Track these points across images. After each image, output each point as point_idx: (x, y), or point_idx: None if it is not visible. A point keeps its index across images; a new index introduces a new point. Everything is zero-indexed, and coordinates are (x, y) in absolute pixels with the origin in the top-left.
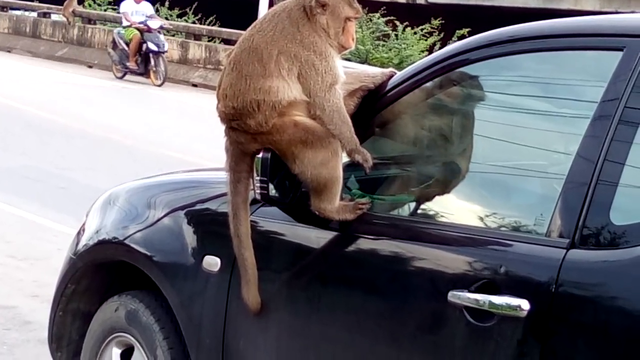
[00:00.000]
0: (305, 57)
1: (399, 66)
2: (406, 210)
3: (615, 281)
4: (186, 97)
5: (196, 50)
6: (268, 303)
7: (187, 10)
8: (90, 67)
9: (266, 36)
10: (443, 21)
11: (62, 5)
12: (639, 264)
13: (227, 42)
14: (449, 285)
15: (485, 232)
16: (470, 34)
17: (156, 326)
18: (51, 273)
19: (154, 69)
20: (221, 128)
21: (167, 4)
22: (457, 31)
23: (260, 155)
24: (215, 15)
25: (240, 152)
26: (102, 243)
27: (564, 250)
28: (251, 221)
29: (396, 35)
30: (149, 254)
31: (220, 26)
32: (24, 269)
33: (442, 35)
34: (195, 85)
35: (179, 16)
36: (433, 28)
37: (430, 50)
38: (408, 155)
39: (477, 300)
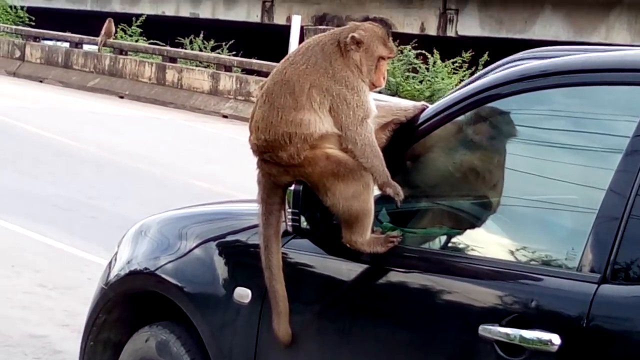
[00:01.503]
0: (337, 91)
1: (431, 99)
2: (437, 243)
3: None
4: (216, 128)
5: (227, 82)
6: (298, 335)
7: (223, 44)
8: (121, 97)
9: (298, 69)
10: (473, 53)
11: (93, 35)
12: None
13: (258, 73)
14: (480, 318)
15: (516, 266)
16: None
17: (187, 357)
18: (81, 302)
19: None
20: (252, 160)
21: (201, 35)
22: (480, 59)
23: (292, 188)
24: (246, 48)
25: (273, 184)
26: (133, 273)
27: (596, 285)
28: (282, 253)
29: (427, 68)
30: (180, 284)
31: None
32: (54, 298)
33: (472, 69)
34: (225, 117)
35: (213, 49)
36: (464, 61)
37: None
38: (439, 188)
39: (507, 334)
